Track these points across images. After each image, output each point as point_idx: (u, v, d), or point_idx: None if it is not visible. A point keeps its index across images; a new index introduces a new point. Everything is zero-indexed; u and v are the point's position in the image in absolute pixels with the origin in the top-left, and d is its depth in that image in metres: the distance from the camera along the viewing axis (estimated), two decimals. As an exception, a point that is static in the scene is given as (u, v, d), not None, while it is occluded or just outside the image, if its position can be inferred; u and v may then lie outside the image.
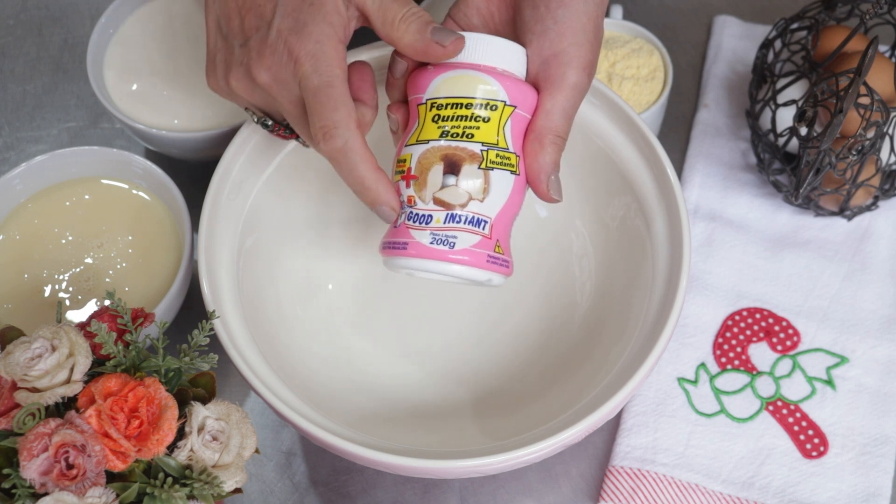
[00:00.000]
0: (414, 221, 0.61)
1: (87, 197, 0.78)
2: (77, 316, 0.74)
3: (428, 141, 0.61)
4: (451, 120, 0.61)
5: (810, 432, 0.76)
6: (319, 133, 0.59)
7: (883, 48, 0.85)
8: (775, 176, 0.82)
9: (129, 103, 0.81)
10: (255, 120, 0.66)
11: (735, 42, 0.91)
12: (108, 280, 0.75)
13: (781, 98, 0.79)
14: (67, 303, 0.75)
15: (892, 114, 0.74)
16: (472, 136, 0.60)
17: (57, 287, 0.75)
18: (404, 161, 0.62)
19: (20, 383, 0.58)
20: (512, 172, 0.61)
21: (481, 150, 0.60)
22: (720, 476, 0.74)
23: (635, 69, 0.82)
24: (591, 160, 0.73)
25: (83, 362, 0.58)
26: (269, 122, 0.65)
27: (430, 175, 0.60)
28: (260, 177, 0.73)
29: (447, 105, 0.61)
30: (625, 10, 0.93)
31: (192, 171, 0.82)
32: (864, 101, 0.73)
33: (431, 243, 0.60)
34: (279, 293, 0.75)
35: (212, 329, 0.63)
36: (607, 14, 0.87)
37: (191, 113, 0.81)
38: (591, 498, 0.75)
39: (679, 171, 0.86)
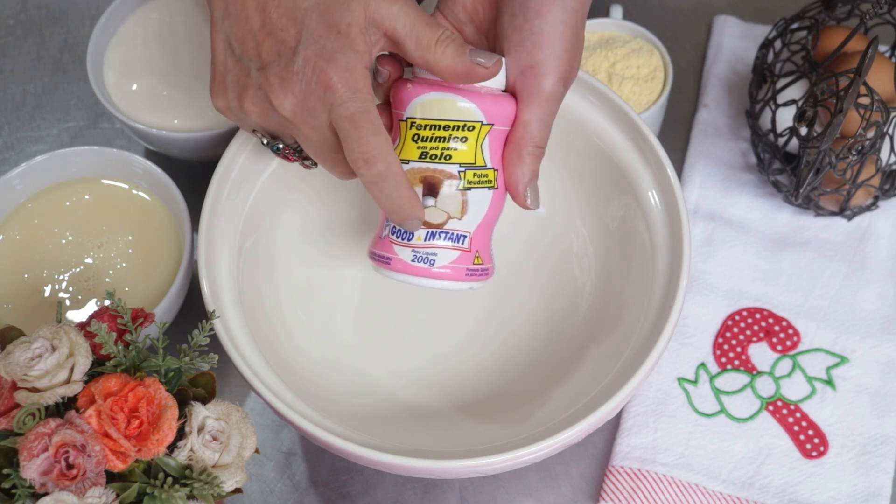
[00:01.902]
0: (397, 237, 0.63)
1: (87, 197, 0.78)
2: (77, 316, 0.74)
3: (408, 161, 0.62)
4: (430, 141, 0.62)
5: (810, 432, 0.76)
6: (360, 159, 0.59)
7: (883, 48, 0.85)
8: (775, 176, 0.82)
9: (129, 103, 0.81)
10: (264, 143, 0.65)
11: (735, 42, 0.91)
12: (108, 280, 0.75)
13: (781, 98, 0.79)
14: (67, 303, 0.75)
15: (892, 114, 0.74)
16: (450, 157, 0.62)
17: (57, 287, 0.75)
18: None
19: (20, 383, 0.58)
20: (490, 188, 0.63)
21: (459, 171, 0.62)
22: (720, 476, 0.74)
23: (635, 69, 0.82)
24: (591, 160, 0.73)
25: (83, 362, 0.58)
26: (280, 146, 0.65)
27: None
28: (260, 177, 0.73)
29: (426, 126, 0.62)
30: (625, 10, 0.93)
31: (192, 171, 0.82)
32: (864, 101, 0.73)
33: (413, 260, 0.63)
34: (279, 293, 0.75)
35: (212, 329, 0.63)
36: (607, 14, 0.87)
37: (191, 113, 0.81)
38: (591, 498, 0.75)
39: (679, 171, 0.86)
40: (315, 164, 0.66)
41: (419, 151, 0.62)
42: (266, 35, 0.60)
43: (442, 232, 0.62)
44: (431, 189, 0.62)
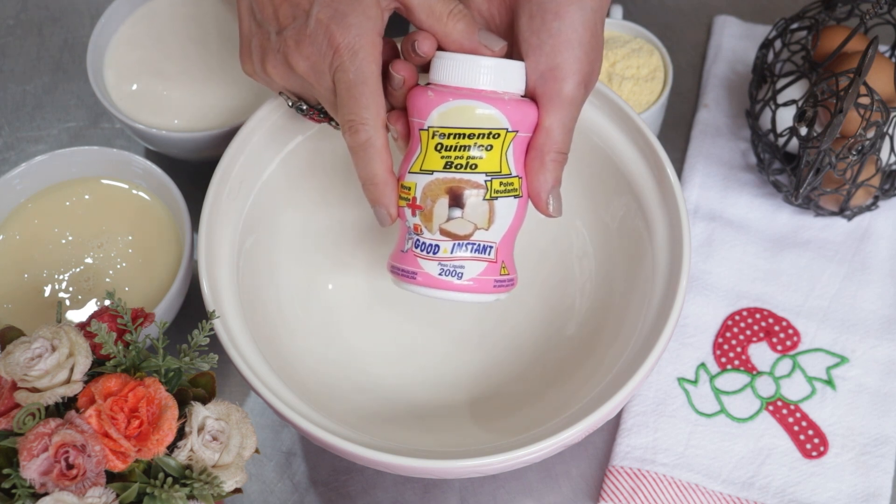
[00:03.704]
0: (421, 250, 0.62)
1: (87, 197, 0.79)
2: (77, 316, 0.74)
3: (432, 172, 0.61)
4: (455, 150, 0.61)
5: (810, 432, 0.76)
6: (346, 125, 0.61)
7: (883, 48, 0.85)
8: (775, 176, 0.82)
9: (129, 103, 0.81)
10: (290, 104, 0.67)
11: (735, 42, 0.91)
12: (108, 280, 0.76)
13: (781, 98, 0.79)
14: (67, 303, 0.75)
15: (892, 114, 0.74)
16: (476, 166, 0.61)
17: (57, 287, 0.75)
18: (409, 189, 0.62)
19: (20, 383, 0.58)
20: (515, 196, 0.62)
21: (485, 181, 0.61)
22: (720, 476, 0.74)
23: (635, 69, 0.82)
24: (591, 160, 0.73)
25: (83, 362, 0.58)
26: (304, 107, 0.67)
27: (436, 207, 0.61)
28: (260, 177, 0.73)
29: (449, 135, 0.61)
30: (625, 10, 0.93)
31: (192, 171, 0.82)
32: (864, 101, 0.73)
33: (440, 274, 0.62)
34: (279, 293, 0.75)
35: (212, 329, 0.63)
36: (608, 14, 0.87)
37: (191, 113, 0.81)
38: (591, 498, 0.75)
39: (679, 171, 0.86)
40: None
41: (443, 161, 0.61)
42: (281, 0, 0.62)
43: (469, 243, 0.62)
44: (458, 200, 0.61)
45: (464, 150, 0.61)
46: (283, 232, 0.76)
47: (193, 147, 0.80)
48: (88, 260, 0.76)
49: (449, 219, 0.61)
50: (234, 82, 0.82)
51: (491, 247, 0.62)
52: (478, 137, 0.61)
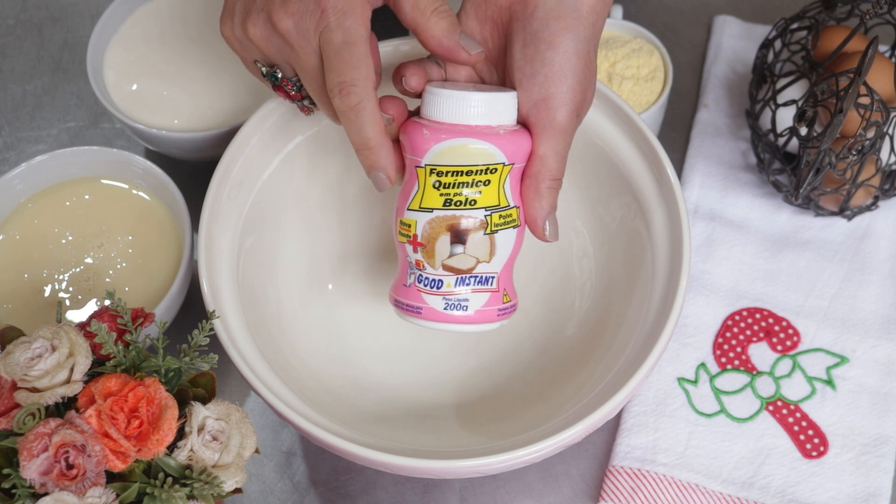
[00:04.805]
0: (425, 285, 0.63)
1: (87, 197, 0.79)
2: (77, 316, 0.74)
3: (432, 209, 0.61)
4: (453, 187, 0.61)
5: (810, 432, 0.76)
6: (336, 88, 0.59)
7: (883, 48, 0.85)
8: (775, 176, 0.82)
9: (129, 103, 0.81)
10: (264, 73, 0.65)
11: (735, 42, 0.91)
12: (108, 280, 0.76)
13: (781, 98, 0.79)
14: (67, 303, 0.75)
15: (892, 114, 0.74)
16: (475, 202, 0.61)
17: (57, 287, 0.75)
18: (409, 226, 0.62)
19: (20, 383, 0.58)
20: (514, 227, 0.63)
21: (485, 216, 0.61)
22: (720, 476, 0.74)
23: (635, 69, 0.82)
24: (591, 160, 0.73)
25: (83, 362, 0.58)
26: (279, 75, 0.64)
27: (437, 244, 0.62)
28: (260, 177, 0.73)
29: (447, 173, 0.61)
30: (625, 10, 0.93)
31: (192, 171, 0.82)
32: (864, 101, 0.73)
33: (445, 308, 0.62)
34: (279, 293, 0.75)
35: (212, 329, 0.63)
36: (608, 14, 0.87)
37: (191, 113, 0.81)
38: (591, 498, 0.75)
39: (679, 171, 0.86)
40: (313, 107, 0.66)
41: (443, 199, 0.61)
42: None
43: (472, 277, 0.62)
44: (459, 236, 0.61)
45: (462, 188, 0.61)
46: (283, 232, 0.76)
47: (193, 147, 0.80)
48: (88, 260, 0.76)
49: (451, 255, 0.62)
50: (234, 82, 0.82)
51: (493, 277, 0.63)
52: (475, 174, 0.61)
